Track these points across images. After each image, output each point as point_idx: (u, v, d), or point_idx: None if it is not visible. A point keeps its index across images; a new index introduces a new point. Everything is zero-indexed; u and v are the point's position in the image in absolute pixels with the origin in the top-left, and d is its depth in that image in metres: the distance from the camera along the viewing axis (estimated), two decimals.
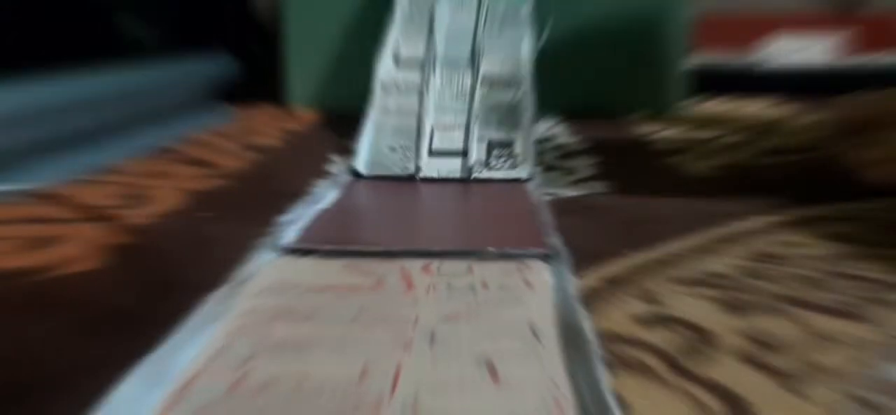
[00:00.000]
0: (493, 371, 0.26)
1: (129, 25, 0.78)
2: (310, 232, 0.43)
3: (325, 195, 0.50)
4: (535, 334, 0.29)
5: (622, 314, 0.33)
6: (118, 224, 0.45)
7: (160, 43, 0.84)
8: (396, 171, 0.58)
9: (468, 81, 0.68)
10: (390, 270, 0.37)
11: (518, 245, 0.40)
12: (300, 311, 0.31)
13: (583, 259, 0.39)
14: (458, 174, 0.58)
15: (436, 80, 0.68)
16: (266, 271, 0.36)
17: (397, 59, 0.71)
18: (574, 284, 0.32)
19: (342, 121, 0.84)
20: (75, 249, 0.41)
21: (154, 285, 0.37)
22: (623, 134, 0.82)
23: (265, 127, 0.84)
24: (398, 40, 0.73)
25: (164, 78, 0.83)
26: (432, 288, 0.34)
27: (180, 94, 0.89)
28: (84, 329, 0.32)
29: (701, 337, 0.31)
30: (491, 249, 0.39)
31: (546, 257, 0.38)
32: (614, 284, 0.37)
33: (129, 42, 0.78)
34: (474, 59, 0.70)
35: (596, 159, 0.67)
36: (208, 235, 0.45)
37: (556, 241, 0.39)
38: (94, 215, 0.48)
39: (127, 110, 0.76)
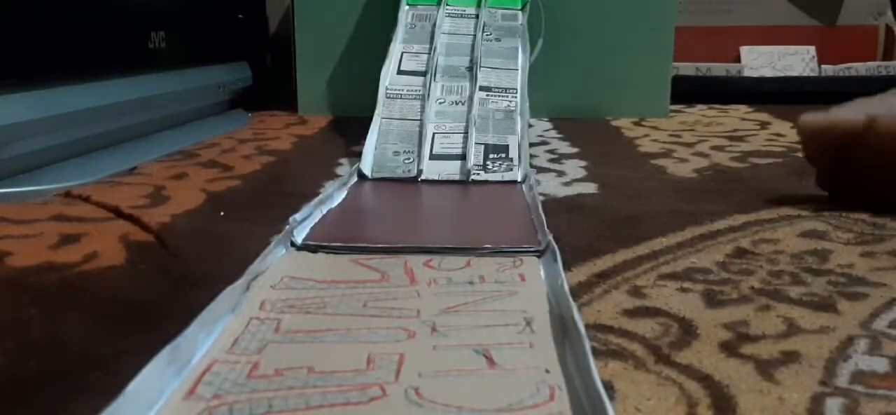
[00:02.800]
0: (489, 359, 0.26)
1: (154, 37, 0.78)
2: (319, 230, 0.43)
3: (333, 196, 0.50)
4: (529, 324, 0.29)
5: (610, 306, 0.33)
6: (141, 223, 0.45)
7: (183, 53, 0.84)
8: (400, 173, 0.58)
9: (467, 89, 0.68)
10: (394, 265, 0.37)
11: (513, 242, 0.40)
12: (310, 303, 0.31)
13: (574, 255, 0.39)
14: (457, 176, 0.58)
15: (437, 89, 0.68)
16: (279, 266, 0.36)
17: (401, 69, 0.71)
18: (565, 279, 0.32)
19: (349, 126, 0.84)
20: (101, 246, 0.41)
21: (174, 280, 0.37)
22: (612, 137, 0.82)
23: (278, 132, 0.84)
24: (402, 51, 0.73)
25: (186, 86, 0.83)
26: (433, 282, 0.34)
27: (200, 101, 0.89)
28: (110, 320, 0.32)
29: (684, 328, 0.31)
30: (488, 245, 0.39)
31: (539, 253, 0.38)
32: (603, 278, 0.37)
33: (154, 52, 0.78)
34: (473, 69, 0.70)
35: (586, 161, 0.67)
36: (225, 232, 0.45)
37: (548, 238, 0.38)
38: (120, 215, 0.48)
39: (151, 116, 0.76)
